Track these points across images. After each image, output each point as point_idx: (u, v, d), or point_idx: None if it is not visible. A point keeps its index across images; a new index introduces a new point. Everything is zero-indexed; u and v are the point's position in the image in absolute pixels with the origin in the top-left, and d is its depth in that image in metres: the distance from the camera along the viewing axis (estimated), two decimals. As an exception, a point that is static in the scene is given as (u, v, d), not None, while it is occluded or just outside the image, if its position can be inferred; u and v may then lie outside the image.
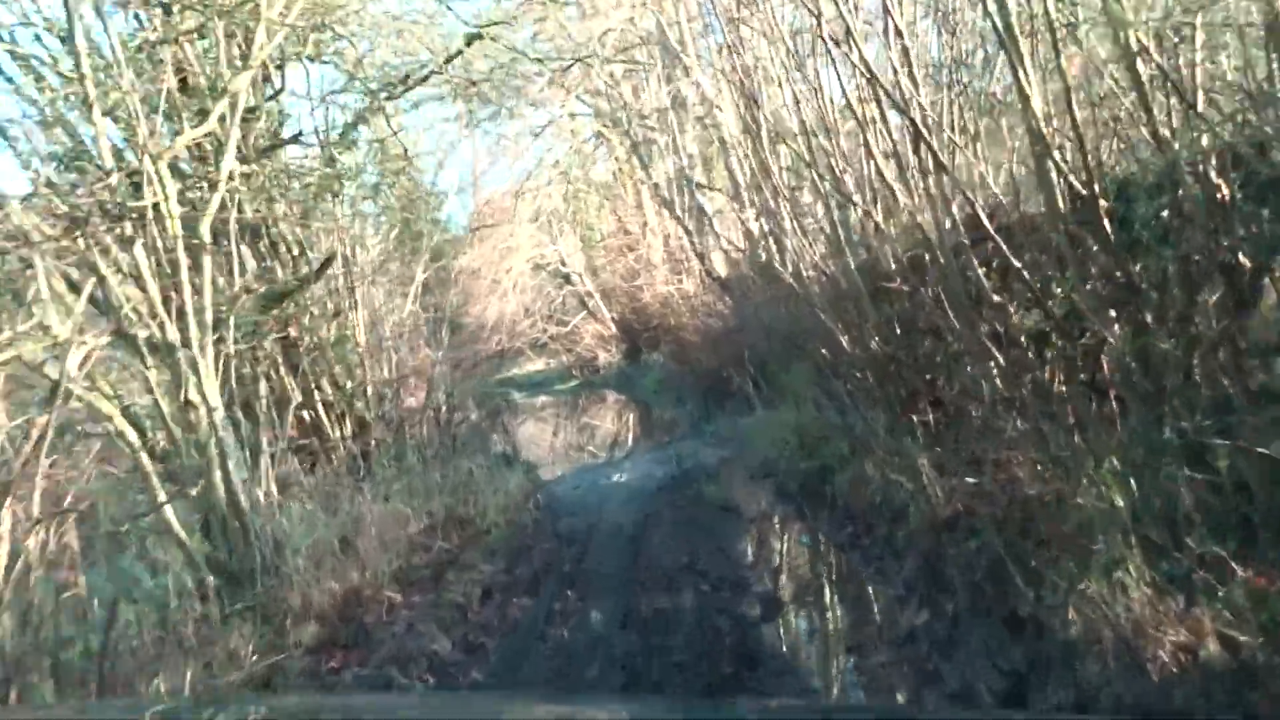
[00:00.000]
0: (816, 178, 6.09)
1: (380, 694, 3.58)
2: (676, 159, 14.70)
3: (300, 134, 5.69)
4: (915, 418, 5.16)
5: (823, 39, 5.19)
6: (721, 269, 13.63)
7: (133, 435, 4.41)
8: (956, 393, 4.98)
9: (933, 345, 5.31)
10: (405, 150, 6.39)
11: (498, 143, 17.51)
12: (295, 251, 6.01)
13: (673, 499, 7.26)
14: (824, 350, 6.84)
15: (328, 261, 5.99)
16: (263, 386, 6.21)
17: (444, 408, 8.06)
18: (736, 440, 9.30)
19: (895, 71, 4.53)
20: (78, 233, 4.04)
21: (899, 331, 5.60)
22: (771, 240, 10.16)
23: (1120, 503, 3.05)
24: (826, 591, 4.86)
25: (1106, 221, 3.33)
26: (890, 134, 5.14)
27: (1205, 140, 3.10)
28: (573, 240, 25.13)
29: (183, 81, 5.38)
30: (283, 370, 6.30)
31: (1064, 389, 3.88)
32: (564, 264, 25.65)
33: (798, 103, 6.71)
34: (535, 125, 17.74)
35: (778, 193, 8.15)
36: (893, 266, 5.32)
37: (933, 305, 4.68)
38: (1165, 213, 3.23)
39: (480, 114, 15.22)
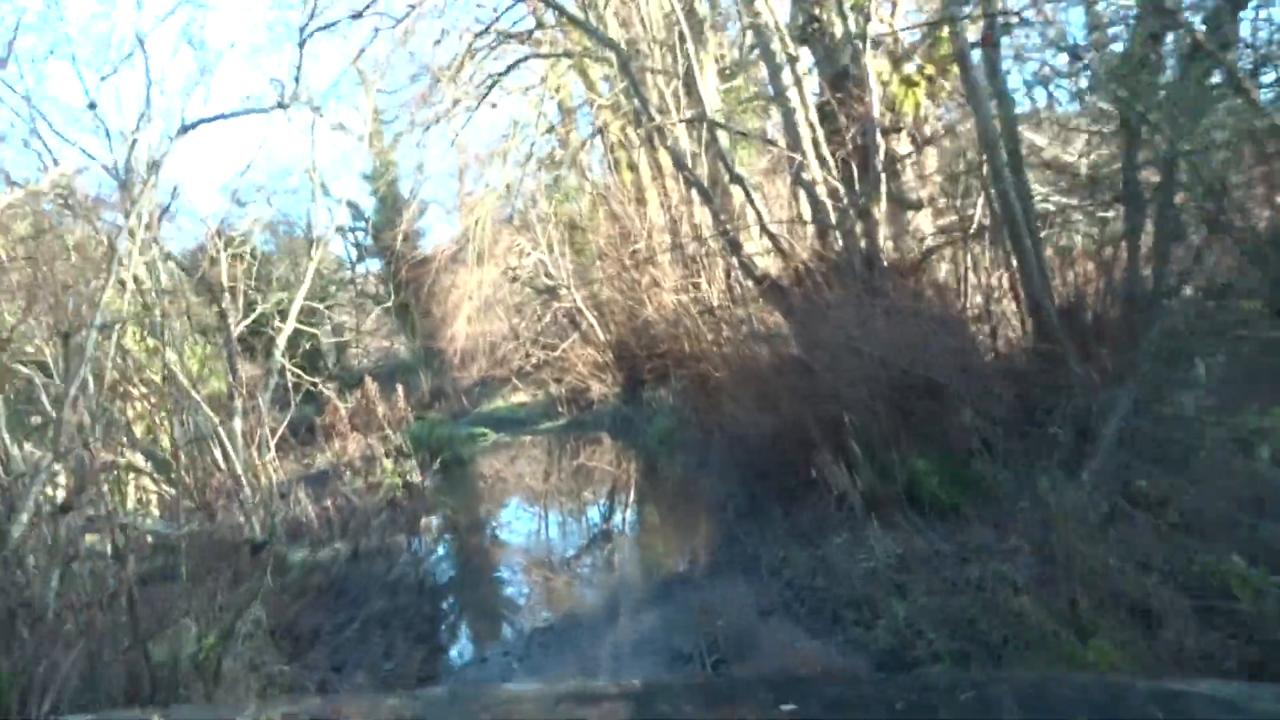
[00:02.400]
0: None
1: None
2: (690, 102, 9.71)
3: None
4: None
5: None
6: (766, 265, 8.56)
7: None
8: None
9: None
10: None
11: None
12: None
13: None
14: None
15: None
16: None
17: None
18: (854, 629, 4.21)
19: None
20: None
21: None
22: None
23: None
24: None
25: None
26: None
27: None
28: (558, 243, 20.09)
29: None
30: None
31: None
32: (549, 275, 20.61)
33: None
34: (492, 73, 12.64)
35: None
36: None
37: None
38: None
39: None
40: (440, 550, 8.24)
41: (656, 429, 12.89)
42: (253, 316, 9.44)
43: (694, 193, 10.43)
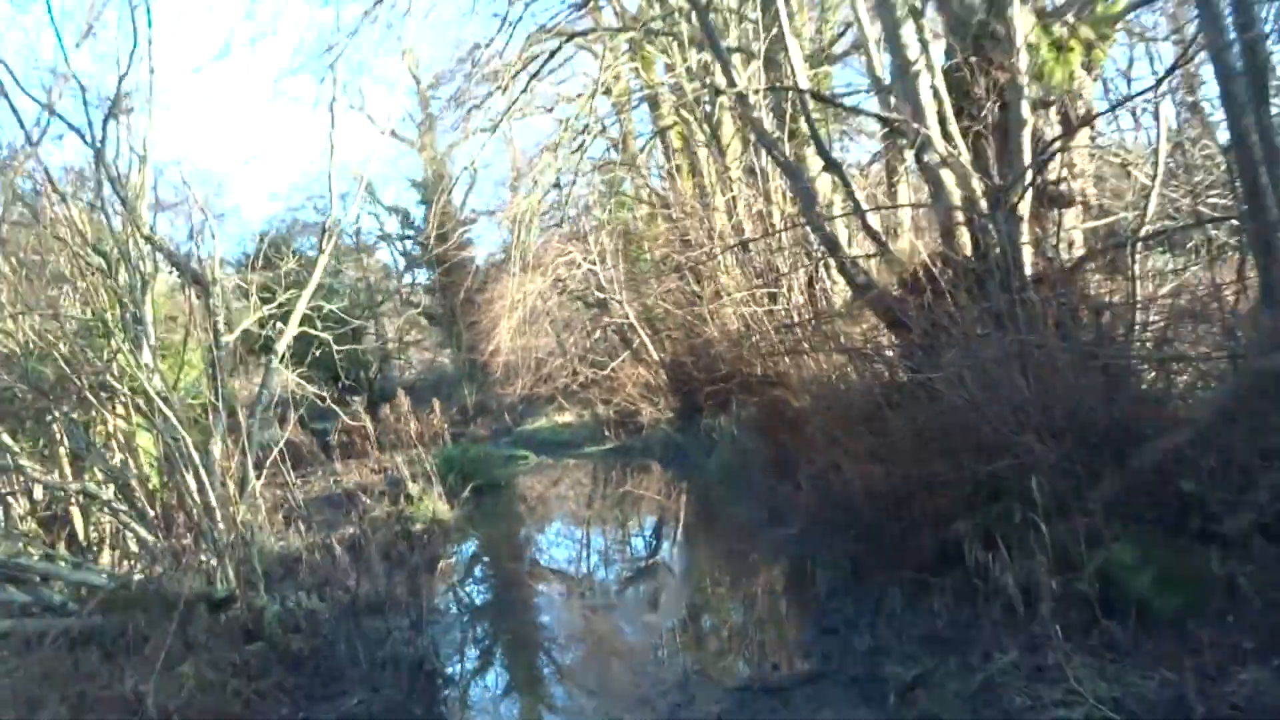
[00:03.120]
0: None
1: None
2: (771, 80, 8.14)
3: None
4: None
5: None
6: (869, 269, 6.90)
7: None
8: None
9: None
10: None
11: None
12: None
13: None
14: None
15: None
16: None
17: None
18: None
19: None
20: None
21: None
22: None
23: None
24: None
25: None
26: None
27: None
28: (611, 254, 18.58)
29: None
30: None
31: None
32: (600, 288, 19.11)
33: None
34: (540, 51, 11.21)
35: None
36: None
37: None
38: None
39: None
40: (453, 607, 6.71)
41: (716, 463, 11.28)
42: (254, 318, 8.06)
43: (773, 187, 8.83)
